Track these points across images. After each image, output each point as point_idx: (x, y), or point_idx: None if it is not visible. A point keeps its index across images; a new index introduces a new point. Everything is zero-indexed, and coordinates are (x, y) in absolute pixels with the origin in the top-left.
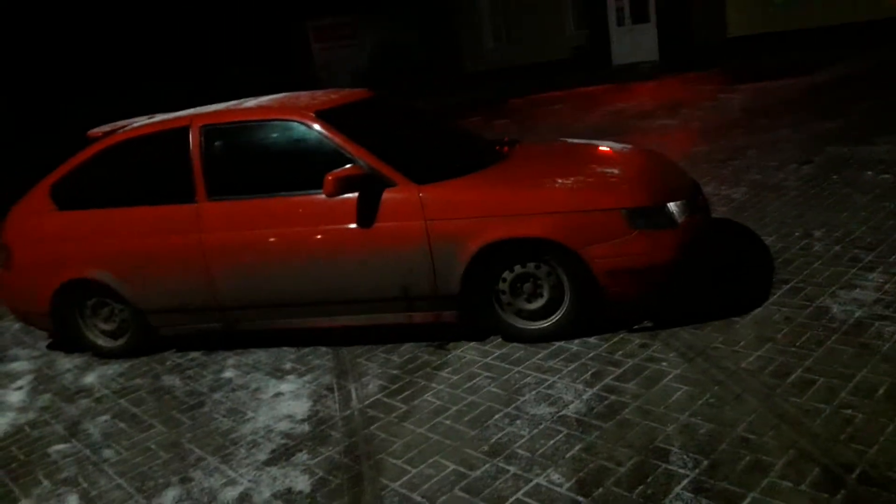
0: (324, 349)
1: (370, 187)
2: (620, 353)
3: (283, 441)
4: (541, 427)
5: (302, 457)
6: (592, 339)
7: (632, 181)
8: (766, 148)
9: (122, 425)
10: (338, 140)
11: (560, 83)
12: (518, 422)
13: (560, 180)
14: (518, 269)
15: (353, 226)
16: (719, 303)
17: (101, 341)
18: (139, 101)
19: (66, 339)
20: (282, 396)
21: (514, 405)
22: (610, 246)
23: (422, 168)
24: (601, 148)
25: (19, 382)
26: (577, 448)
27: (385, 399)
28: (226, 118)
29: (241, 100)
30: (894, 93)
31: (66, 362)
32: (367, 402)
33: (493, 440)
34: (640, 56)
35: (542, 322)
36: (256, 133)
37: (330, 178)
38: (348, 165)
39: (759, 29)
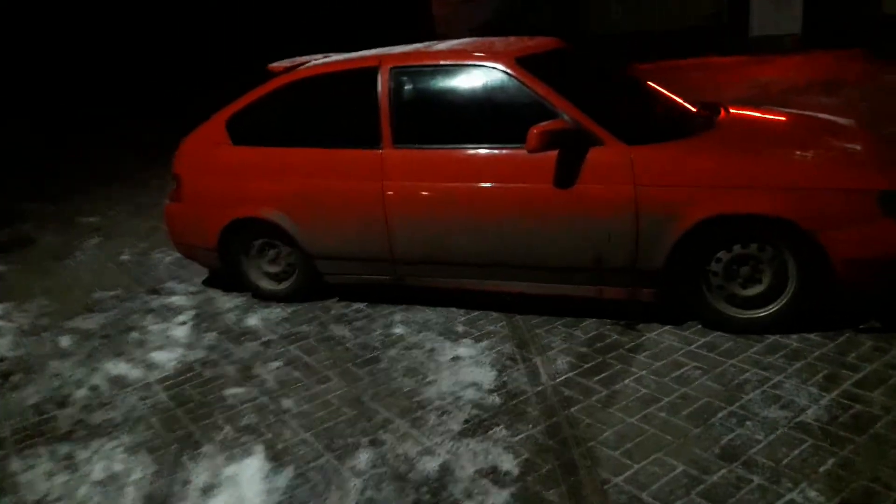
0: (495, 314)
1: (575, 144)
2: (853, 355)
3: (474, 412)
4: (777, 432)
5: (500, 432)
6: (814, 336)
7: (881, 161)
8: None
9: (296, 374)
10: (540, 90)
11: (693, 51)
12: (748, 423)
13: (798, 152)
14: (737, 249)
15: (551, 185)
16: None
17: (264, 283)
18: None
19: (229, 277)
20: (461, 361)
21: (737, 403)
22: (856, 231)
23: (631, 127)
24: (827, 119)
25: (181, 317)
26: (830, 462)
27: (579, 379)
28: (417, 60)
29: (430, 42)
30: None
31: (225, 301)
32: (559, 380)
33: (723, 441)
34: (781, 28)
35: (756, 311)
36: (449, 78)
37: (535, 131)
38: (552, 119)
39: None
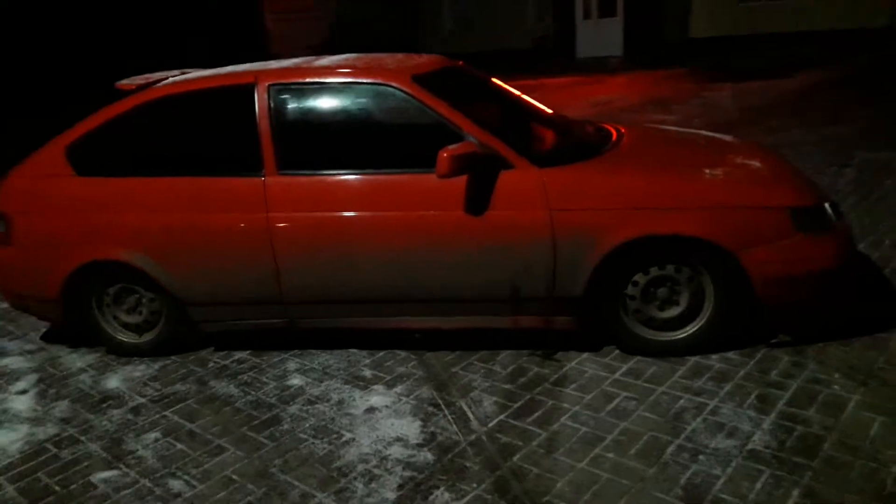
0: (402, 354)
1: (486, 168)
2: (775, 372)
3: (407, 473)
4: (733, 465)
5: (442, 496)
6: (732, 355)
7: (786, 178)
8: (790, 149)
9: (180, 446)
10: (442, 111)
11: (524, 72)
12: (701, 458)
13: (709, 171)
14: (654, 271)
15: (461, 212)
16: (845, 316)
17: (122, 336)
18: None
19: (76, 331)
20: (378, 412)
21: (683, 435)
22: (774, 249)
23: (538, 148)
24: (720, 138)
25: (20, 384)
26: (795, 494)
27: (512, 421)
28: (301, 76)
29: (309, 58)
30: (889, 100)
31: (74, 360)
32: (491, 425)
33: (682, 481)
34: (604, 50)
35: (673, 333)
36: (339, 97)
37: (446, 154)
38: (458, 142)
39: (722, 31)
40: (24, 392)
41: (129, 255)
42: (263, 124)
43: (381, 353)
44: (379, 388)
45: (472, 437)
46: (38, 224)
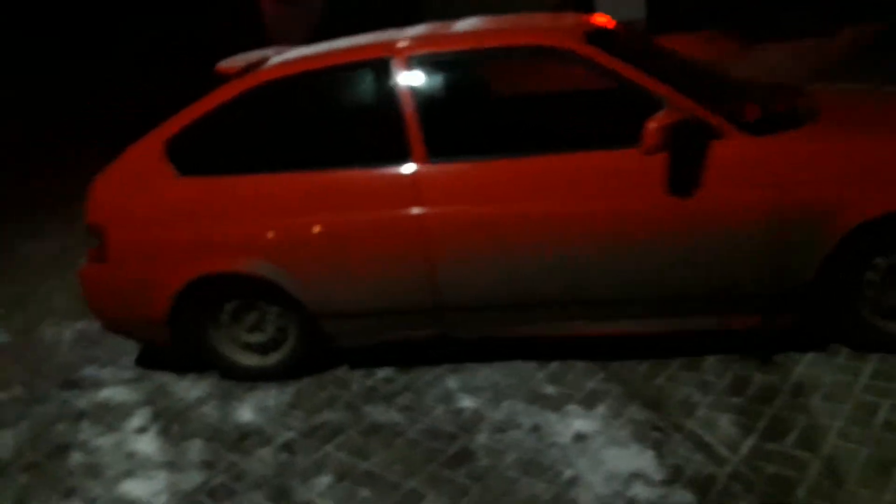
0: (580, 364)
1: (694, 140)
2: None
3: None
4: None
5: None
6: None
7: None
8: None
9: (364, 492)
10: (630, 75)
11: None
12: None
13: None
14: None
15: (660, 196)
16: None
17: (243, 357)
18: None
19: (182, 355)
20: (591, 441)
21: None
22: None
23: (744, 116)
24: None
25: (136, 421)
26: None
27: (769, 445)
28: (447, 45)
29: (441, 23)
30: None
31: (187, 389)
32: (744, 451)
33: None
34: (626, 14)
35: None
36: (498, 66)
37: (655, 125)
38: (662, 111)
39: None
40: (143, 430)
41: (251, 266)
42: (407, 104)
43: (554, 365)
44: (574, 408)
45: (728, 468)
46: (137, 236)
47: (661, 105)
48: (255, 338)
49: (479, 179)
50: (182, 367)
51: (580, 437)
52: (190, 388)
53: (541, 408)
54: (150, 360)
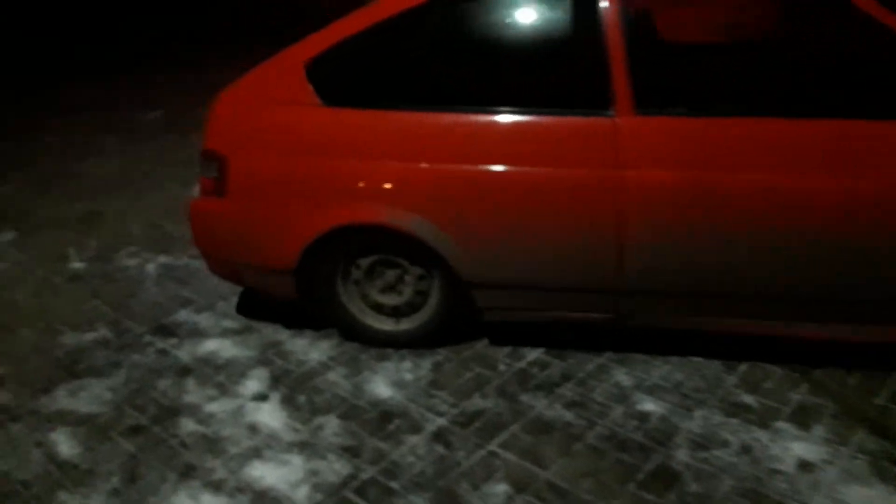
0: (776, 370)
1: None
2: None
3: None
4: None
5: None
6: None
7: None
8: None
9: None
10: None
11: None
12: None
13: None
14: None
15: None
16: None
17: (372, 320)
18: None
19: (305, 310)
20: (821, 472)
21: None
22: None
23: None
24: None
25: (252, 385)
26: None
27: None
28: None
29: None
30: None
31: (305, 349)
32: None
33: None
34: None
35: None
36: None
37: None
38: None
39: None
40: (263, 398)
41: (403, 219)
42: (613, 37)
43: (744, 368)
44: (786, 427)
45: None
46: (267, 169)
47: None
48: (389, 299)
49: (699, 141)
50: (291, 320)
51: (806, 466)
52: (308, 349)
53: (744, 422)
54: (251, 308)
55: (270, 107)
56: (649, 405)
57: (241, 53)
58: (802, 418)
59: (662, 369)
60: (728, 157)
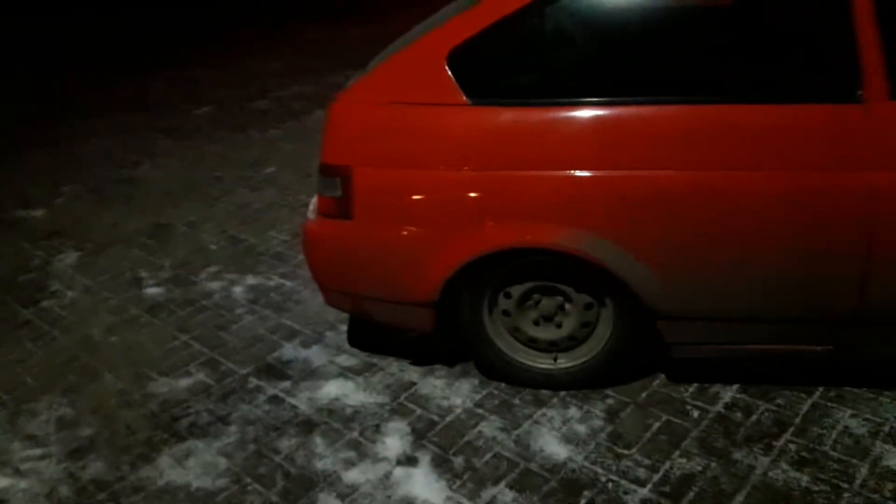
0: None
1: None
2: None
3: None
4: None
5: None
6: None
7: None
8: None
9: None
10: None
11: None
12: None
13: None
14: None
15: None
16: None
17: (524, 357)
18: None
19: (444, 346)
20: None
21: None
22: None
23: None
24: None
25: (394, 444)
26: None
27: None
28: None
29: None
30: None
31: (443, 392)
32: None
33: None
34: None
35: None
36: None
37: None
38: None
39: None
40: (411, 462)
41: (574, 240)
42: (862, 7)
43: None
44: None
45: None
46: (403, 184)
47: None
48: (546, 333)
49: None
50: (416, 352)
51: None
52: (448, 392)
53: None
54: (367, 339)
55: (401, 111)
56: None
57: (282, 37)
58: None
59: (873, 406)
60: None
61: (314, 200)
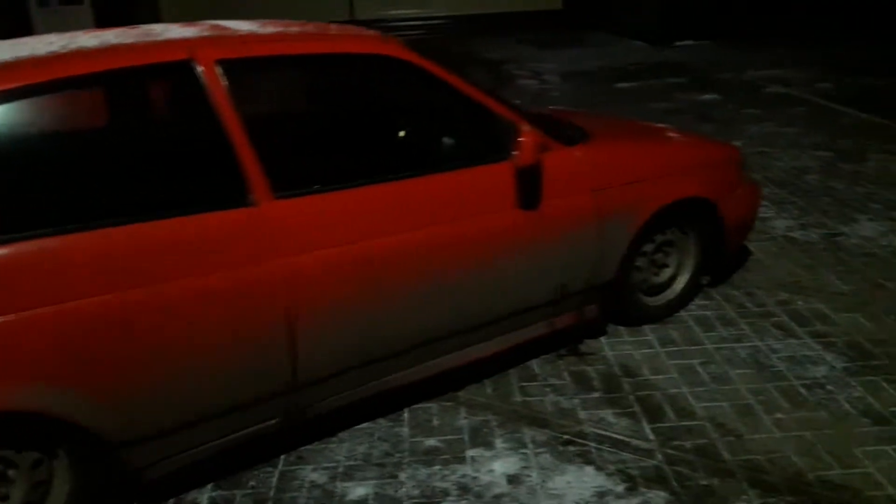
0: (431, 406)
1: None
2: (737, 312)
3: None
4: None
5: None
6: (694, 306)
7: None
8: None
9: None
10: (465, 90)
11: None
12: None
13: (675, 138)
14: (658, 237)
15: (515, 209)
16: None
17: None
18: None
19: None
20: (527, 478)
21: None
22: (734, 199)
23: (553, 128)
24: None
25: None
26: None
27: (664, 424)
28: (261, 48)
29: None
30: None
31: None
32: (654, 436)
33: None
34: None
35: (665, 295)
36: (325, 75)
37: (531, 140)
38: (522, 126)
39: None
40: None
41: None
42: (231, 122)
43: (406, 414)
44: (475, 452)
45: (660, 454)
46: None
47: (494, 123)
48: None
49: (342, 213)
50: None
51: (514, 479)
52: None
53: (443, 465)
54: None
55: None
56: (359, 490)
57: None
58: (482, 439)
59: (343, 448)
60: (362, 223)
61: None
